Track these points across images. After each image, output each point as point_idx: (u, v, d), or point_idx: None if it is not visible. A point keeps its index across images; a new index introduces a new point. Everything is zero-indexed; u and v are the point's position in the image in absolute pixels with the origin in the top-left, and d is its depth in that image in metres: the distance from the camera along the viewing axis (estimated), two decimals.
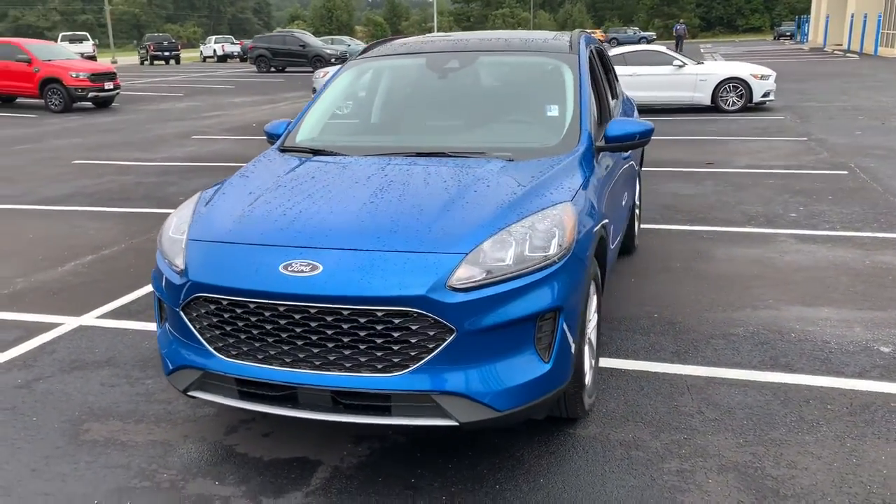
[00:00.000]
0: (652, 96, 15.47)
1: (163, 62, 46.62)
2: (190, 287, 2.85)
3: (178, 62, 46.34)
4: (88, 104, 19.40)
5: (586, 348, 3.35)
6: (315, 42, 33.71)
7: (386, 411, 2.72)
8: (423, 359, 2.65)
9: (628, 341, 4.19)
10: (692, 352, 4.03)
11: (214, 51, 49.62)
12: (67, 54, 20.36)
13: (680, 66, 15.23)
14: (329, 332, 2.68)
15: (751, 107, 15.13)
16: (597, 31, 71.93)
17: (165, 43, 45.60)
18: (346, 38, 40.44)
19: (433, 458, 3.07)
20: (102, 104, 19.59)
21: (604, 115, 4.51)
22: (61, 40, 41.40)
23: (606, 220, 3.49)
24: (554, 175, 3.27)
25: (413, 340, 2.65)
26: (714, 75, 15.17)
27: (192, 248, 2.97)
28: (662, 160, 9.95)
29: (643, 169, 8.87)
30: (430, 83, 4.34)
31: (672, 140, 11.81)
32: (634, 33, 67.17)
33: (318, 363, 2.72)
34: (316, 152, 3.79)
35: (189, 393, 2.98)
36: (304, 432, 3.28)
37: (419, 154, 3.57)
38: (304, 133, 4.05)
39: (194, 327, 2.90)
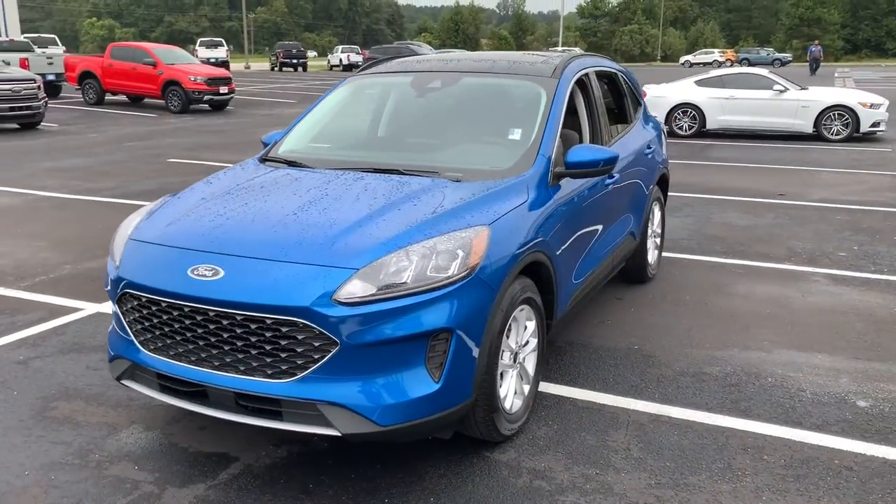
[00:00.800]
0: (749, 121, 14.89)
1: (291, 69, 48.87)
2: (120, 283, 3.09)
3: (304, 69, 48.47)
4: (205, 106, 20.62)
5: (513, 373, 3.36)
6: (425, 53, 34.37)
7: (278, 416, 2.84)
8: (309, 368, 2.76)
9: (593, 370, 4.12)
10: (652, 388, 3.92)
11: (341, 59, 51.50)
12: (189, 59, 21.76)
13: (781, 91, 14.56)
14: (225, 335, 2.84)
15: (857, 137, 14.27)
16: (728, 50, 69.52)
17: (294, 51, 47.80)
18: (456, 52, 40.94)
19: (341, 467, 3.17)
20: (218, 107, 20.78)
21: (596, 140, 4.47)
22: (199, 45, 44.28)
23: (547, 247, 3.47)
24: (486, 197, 3.31)
25: (299, 350, 2.76)
26: (817, 102, 14.42)
27: (128, 246, 3.21)
28: (733, 188, 9.59)
29: (696, 196, 8.63)
30: (409, 101, 4.45)
31: (752, 168, 11.35)
32: (768, 54, 64.44)
33: (217, 364, 2.88)
34: (291, 164, 3.97)
35: (121, 381, 3.21)
36: (237, 430, 3.44)
37: (376, 170, 3.68)
38: (288, 145, 4.24)
39: (125, 321, 3.13)
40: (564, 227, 3.76)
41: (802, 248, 6.72)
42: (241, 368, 2.84)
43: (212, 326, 2.85)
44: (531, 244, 3.32)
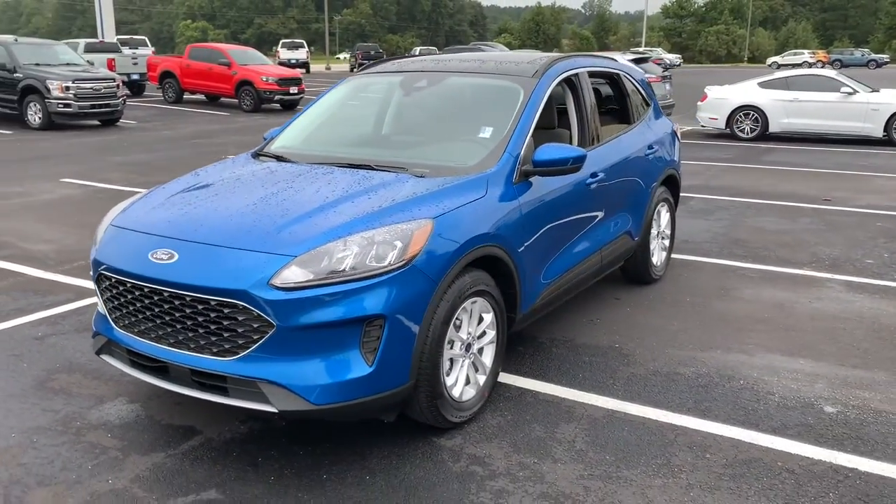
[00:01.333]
0: (815, 125, 14.41)
1: None
2: (97, 265, 3.37)
3: None
4: (276, 105, 21.30)
5: (465, 362, 3.48)
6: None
7: (225, 392, 3.06)
8: (249, 347, 2.96)
9: (565, 366, 4.19)
10: (619, 385, 3.96)
11: None
12: (262, 60, 22.50)
13: (849, 94, 14.03)
14: (178, 314, 3.07)
15: None
16: (819, 51, 66.88)
17: (372, 52, 48.62)
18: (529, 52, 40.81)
19: (292, 444, 3.36)
20: (288, 106, 21.43)
21: (584, 139, 4.53)
22: (281, 46, 45.61)
23: (505, 242, 3.56)
24: (440, 192, 3.44)
25: (240, 330, 2.96)
26: (888, 105, 13.83)
27: (107, 231, 3.48)
28: (778, 192, 9.37)
29: (736, 199, 8.48)
30: (395, 100, 4.62)
31: (806, 172, 11.02)
32: (862, 55, 61.69)
33: (173, 341, 3.11)
34: (278, 158, 4.19)
35: (100, 356, 3.49)
36: (208, 406, 3.65)
37: (351, 165, 3.86)
38: (281, 141, 4.47)
39: (101, 299, 3.41)
40: (533, 223, 3.85)
41: (828, 254, 6.55)
42: (192, 346, 3.06)
43: (167, 306, 3.08)
44: (483, 238, 3.42)
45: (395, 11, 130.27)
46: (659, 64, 18.22)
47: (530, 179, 3.90)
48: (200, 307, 3.00)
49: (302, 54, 44.09)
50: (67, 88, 15.73)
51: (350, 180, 3.61)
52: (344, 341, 2.98)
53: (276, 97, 20.69)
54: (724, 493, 3.01)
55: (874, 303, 5.28)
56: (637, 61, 16.15)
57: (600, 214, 4.62)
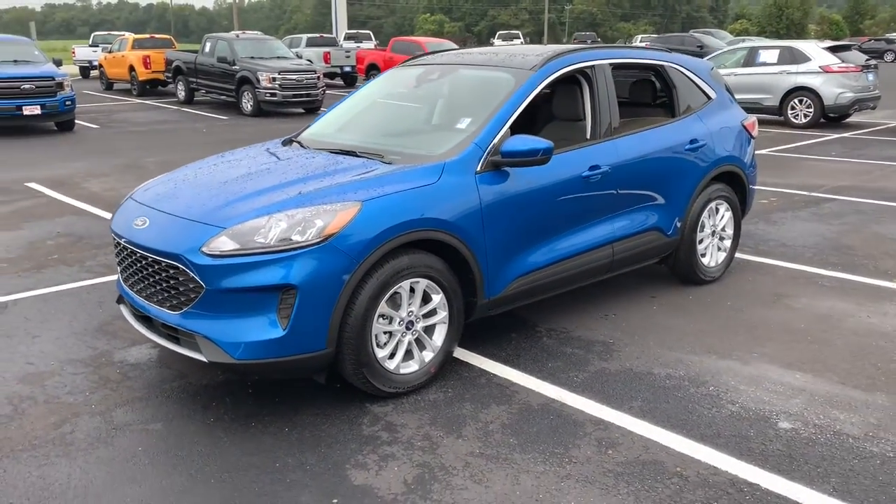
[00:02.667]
0: None
1: None
2: (112, 229, 4.05)
3: None
4: None
5: (405, 338, 3.73)
6: (716, 44, 32.57)
7: (178, 341, 3.59)
8: (189, 304, 3.45)
9: (541, 355, 4.26)
10: (579, 378, 3.98)
11: None
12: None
13: None
14: (146, 272, 3.64)
15: None
16: None
17: (589, 41, 48.14)
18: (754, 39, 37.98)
19: (250, 396, 3.82)
20: None
21: (595, 131, 4.54)
22: (497, 37, 46.67)
23: (454, 228, 3.73)
24: (385, 177, 3.72)
25: (181, 289, 3.47)
26: None
27: (125, 203, 4.15)
28: None
29: (880, 203, 7.72)
30: (406, 91, 4.89)
31: None
32: None
33: (146, 295, 3.70)
34: (299, 144, 4.67)
35: (119, 305, 4.19)
36: None
37: (340, 150, 4.24)
38: (312, 127, 4.94)
39: (116, 259, 4.09)
40: (503, 213, 3.97)
41: None
42: (156, 300, 3.63)
43: (140, 265, 3.67)
44: (423, 223, 3.64)
45: None
46: (872, 53, 16.46)
47: (507, 170, 4.02)
48: (156, 267, 3.55)
49: (516, 44, 44.76)
50: (274, 79, 17.51)
51: (320, 164, 3.99)
52: (263, 306, 3.37)
53: None
54: (596, 487, 3.01)
55: None
56: (835, 49, 14.80)
57: (609, 208, 4.58)
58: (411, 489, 3.01)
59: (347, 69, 25.58)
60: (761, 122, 15.36)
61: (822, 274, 5.69)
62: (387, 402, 3.72)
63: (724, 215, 5.48)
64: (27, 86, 14.18)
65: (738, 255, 6.13)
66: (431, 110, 4.67)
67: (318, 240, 3.36)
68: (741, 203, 5.65)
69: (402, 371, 3.76)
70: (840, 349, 4.32)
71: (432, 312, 3.83)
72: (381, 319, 3.63)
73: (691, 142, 5.05)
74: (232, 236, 3.39)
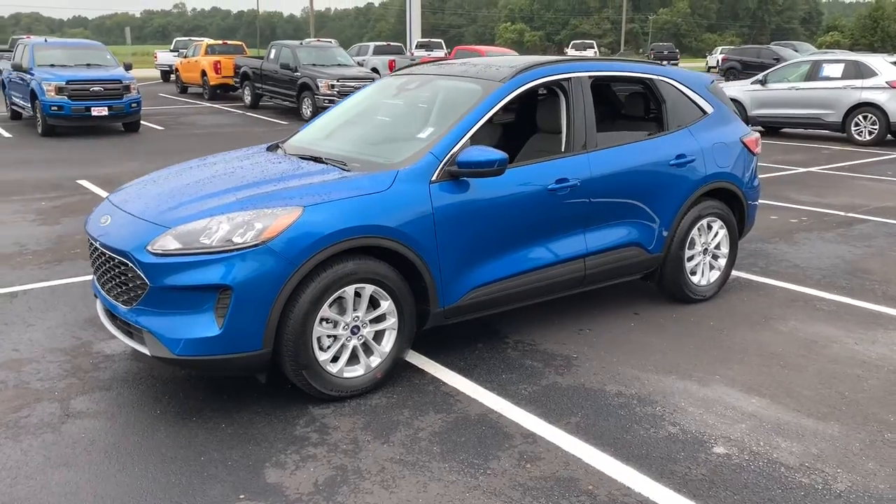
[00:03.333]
0: None
1: None
2: (84, 227, 4.26)
3: None
4: None
5: (350, 343, 3.79)
6: (793, 56, 31.47)
7: (130, 335, 3.75)
8: (137, 300, 3.61)
9: (499, 366, 4.25)
10: (527, 391, 3.96)
11: (718, 61, 49.40)
12: None
13: None
14: (105, 267, 3.82)
15: None
16: None
17: (665, 52, 47.26)
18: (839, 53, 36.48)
19: (203, 391, 3.95)
20: None
21: (570, 143, 4.53)
22: (571, 47, 46.35)
23: (402, 235, 3.77)
24: (333, 184, 3.82)
25: (131, 285, 3.63)
26: None
27: (102, 202, 4.36)
28: None
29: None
30: (384, 100, 4.95)
31: None
32: None
33: (106, 290, 3.88)
34: (282, 150, 4.80)
35: (96, 300, 4.40)
36: None
37: (311, 157, 4.35)
38: (297, 135, 5.07)
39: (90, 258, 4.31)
40: (459, 222, 4.00)
41: None
42: (112, 295, 3.80)
43: (101, 260, 3.86)
44: (368, 230, 3.70)
45: (715, 10, 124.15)
46: None
47: (467, 180, 4.05)
48: (112, 263, 3.73)
49: (590, 55, 44.31)
50: (332, 86, 17.88)
51: (282, 169, 4.11)
52: (202, 304, 3.49)
53: None
54: (500, 499, 3.01)
55: None
56: None
57: (581, 222, 4.54)
58: (318, 490, 3.07)
59: None
60: (823, 139, 14.83)
61: (822, 297, 5.47)
62: (328, 405, 3.79)
63: (719, 233, 5.34)
64: (96, 88, 14.93)
65: (742, 274, 5.97)
66: (402, 120, 4.74)
67: (255, 242, 3.46)
68: (739, 221, 5.50)
69: (347, 375, 3.82)
70: (810, 376, 4.17)
71: (381, 318, 3.89)
72: (324, 323, 3.71)
73: (678, 157, 4.95)
74: (176, 236, 3.53)
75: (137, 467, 3.23)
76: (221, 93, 23.46)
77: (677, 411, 3.76)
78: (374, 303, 3.86)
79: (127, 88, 15.31)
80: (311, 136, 4.99)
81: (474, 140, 4.12)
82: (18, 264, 6.21)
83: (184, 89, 25.92)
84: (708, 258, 5.35)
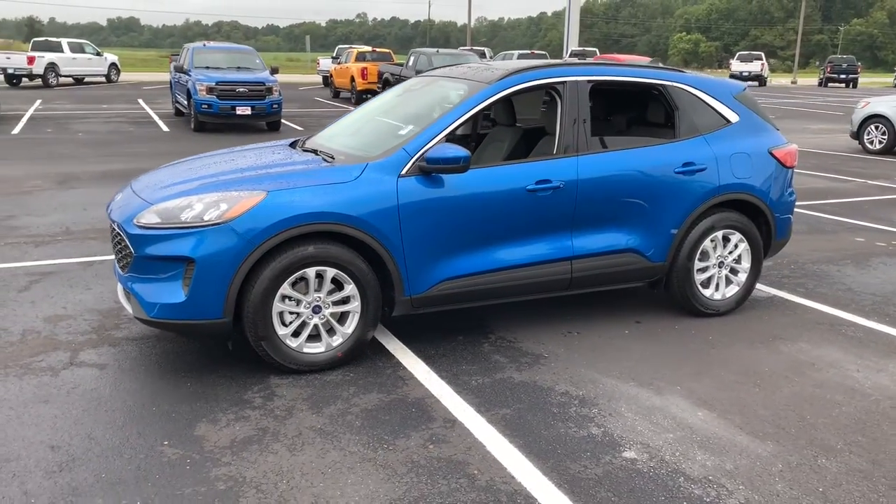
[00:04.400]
0: None
1: (841, 84, 45.23)
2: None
3: (854, 86, 44.28)
4: None
5: (312, 321, 4.09)
6: None
7: (128, 299, 4.26)
8: (128, 267, 4.10)
9: (465, 358, 4.39)
10: (475, 382, 4.07)
11: None
12: None
13: None
14: (114, 239, 4.36)
15: None
16: None
17: (845, 66, 43.96)
18: None
19: (192, 356, 4.39)
20: None
21: (561, 145, 4.59)
22: (736, 58, 44.21)
23: (364, 224, 4.01)
24: (304, 173, 4.17)
25: (124, 253, 4.13)
26: None
27: (124, 189, 4.92)
28: None
29: None
30: (392, 100, 5.19)
31: None
32: None
33: (116, 259, 4.42)
34: (303, 147, 5.20)
35: None
36: None
37: (308, 150, 4.73)
38: (320, 133, 5.43)
39: None
40: (424, 215, 4.18)
41: None
42: (117, 261, 4.34)
43: (113, 233, 4.40)
44: (328, 216, 3.97)
45: None
46: None
47: (440, 176, 4.23)
48: (114, 233, 4.25)
49: (756, 67, 42.11)
50: None
51: (276, 159, 4.52)
52: (173, 273, 3.92)
53: None
54: (384, 472, 3.18)
55: None
56: None
57: (566, 224, 4.57)
58: (231, 445, 3.38)
59: None
60: None
61: (855, 322, 5.12)
62: (288, 377, 4.10)
63: (738, 246, 5.14)
64: (241, 89, 16.22)
65: (779, 293, 5.72)
66: (397, 118, 4.96)
67: (218, 221, 3.84)
68: (767, 235, 5.25)
69: (307, 350, 4.12)
70: (782, 397, 3.97)
71: (346, 301, 4.15)
72: (287, 300, 4.03)
73: (685, 165, 4.84)
74: (157, 212, 3.98)
75: (99, 411, 3.70)
76: (367, 97, 24.62)
77: (613, 415, 3.73)
78: (338, 286, 4.12)
79: (269, 90, 16.51)
80: (331, 132, 5.34)
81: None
82: (108, 238, 7.04)
83: (336, 94, 27.44)
84: (724, 272, 5.16)
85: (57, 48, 30.08)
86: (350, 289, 4.12)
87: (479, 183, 4.32)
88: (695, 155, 4.90)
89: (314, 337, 4.16)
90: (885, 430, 3.64)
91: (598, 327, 4.93)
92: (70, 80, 31.10)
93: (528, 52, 28.56)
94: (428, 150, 4.20)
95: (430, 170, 4.17)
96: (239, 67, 17.41)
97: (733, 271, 5.21)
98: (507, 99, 4.76)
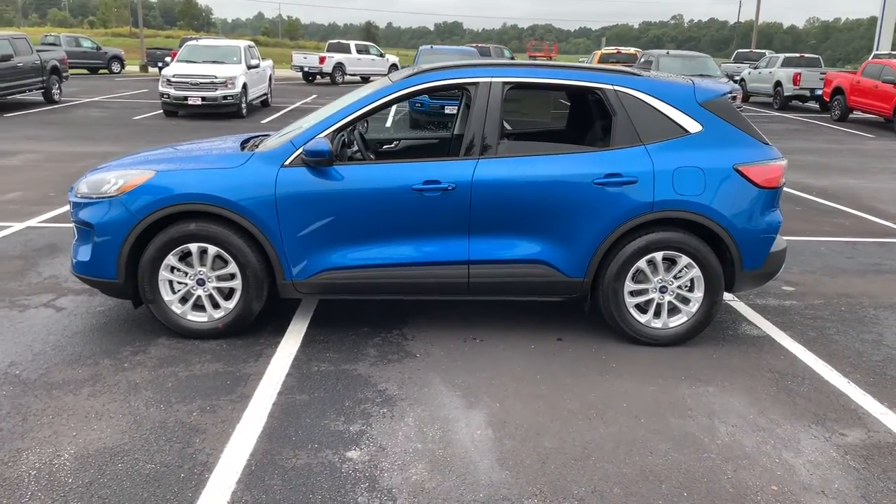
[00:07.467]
0: None
1: None
2: None
3: None
4: None
5: (197, 292, 4.56)
6: None
7: None
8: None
9: (340, 346, 4.54)
10: (322, 368, 4.22)
11: None
12: None
13: None
14: None
15: None
16: None
17: None
18: None
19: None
20: None
21: (469, 147, 4.52)
22: None
23: (241, 209, 4.35)
24: (197, 157, 4.68)
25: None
26: None
27: None
28: None
29: None
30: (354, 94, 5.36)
31: None
32: None
33: None
34: None
35: None
36: None
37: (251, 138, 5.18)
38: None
39: None
40: (302, 205, 4.39)
41: None
42: None
43: None
44: (204, 198, 4.37)
45: None
46: None
47: (325, 168, 4.43)
48: None
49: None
50: None
51: (214, 146, 5.04)
52: (86, 237, 4.60)
53: None
54: (143, 400, 3.54)
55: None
56: None
57: (460, 227, 4.45)
58: (51, 383, 3.96)
59: (818, 92, 23.16)
60: None
61: (827, 381, 4.27)
62: (172, 338, 4.60)
63: (689, 272, 4.56)
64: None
65: (779, 333, 4.96)
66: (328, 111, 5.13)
67: (112, 194, 4.45)
68: (730, 262, 4.58)
69: (191, 318, 4.58)
70: (607, 434, 3.58)
71: (231, 277, 4.53)
72: (175, 271, 4.52)
73: (608, 176, 4.41)
74: (86, 183, 4.69)
75: (75, 341, 4.52)
76: None
77: (394, 417, 3.67)
78: (225, 261, 4.51)
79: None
80: (298, 123, 5.68)
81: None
82: None
83: None
84: (668, 297, 4.61)
85: (346, 49, 33.73)
86: (231, 266, 4.49)
87: (363, 179, 4.42)
88: (625, 166, 4.45)
89: (201, 308, 4.59)
90: (663, 490, 3.14)
91: (503, 339, 4.71)
92: (357, 78, 34.59)
93: (797, 55, 25.67)
94: (309, 143, 4.40)
95: (307, 162, 4.38)
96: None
97: (683, 299, 4.63)
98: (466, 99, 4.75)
